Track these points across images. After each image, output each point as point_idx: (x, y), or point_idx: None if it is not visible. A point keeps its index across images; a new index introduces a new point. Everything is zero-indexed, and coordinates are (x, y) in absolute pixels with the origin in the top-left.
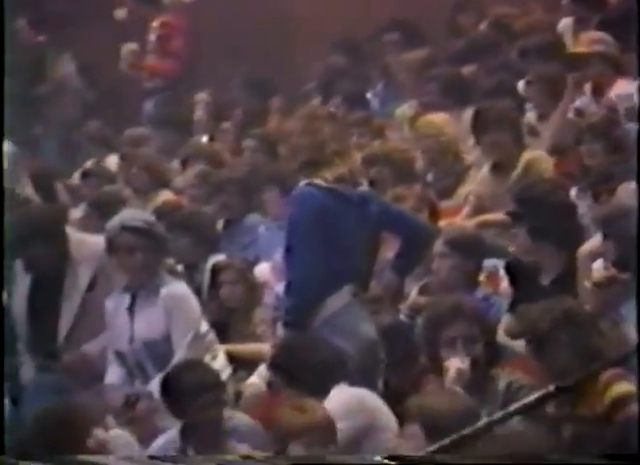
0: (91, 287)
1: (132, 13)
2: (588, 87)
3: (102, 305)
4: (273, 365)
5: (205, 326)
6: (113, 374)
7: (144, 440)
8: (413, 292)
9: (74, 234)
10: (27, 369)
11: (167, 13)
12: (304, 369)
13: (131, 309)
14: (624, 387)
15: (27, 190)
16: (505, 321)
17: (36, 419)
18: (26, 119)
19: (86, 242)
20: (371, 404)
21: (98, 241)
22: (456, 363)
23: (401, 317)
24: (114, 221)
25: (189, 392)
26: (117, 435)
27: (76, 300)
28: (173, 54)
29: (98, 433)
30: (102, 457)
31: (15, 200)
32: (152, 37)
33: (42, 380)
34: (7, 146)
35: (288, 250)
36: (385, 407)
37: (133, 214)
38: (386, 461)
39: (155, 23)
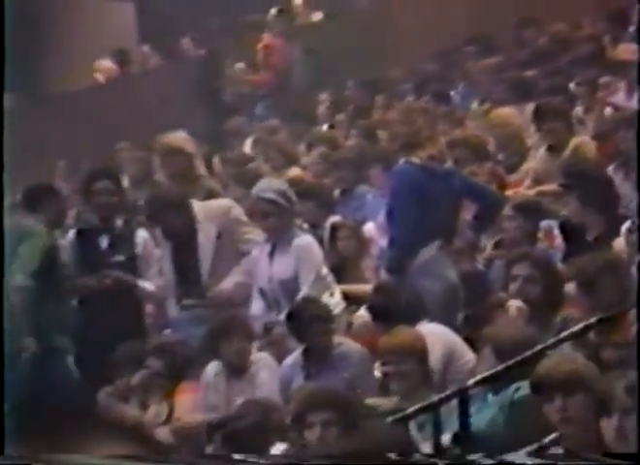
0: (218, 237)
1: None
2: (623, 87)
3: (229, 250)
4: (370, 306)
5: (325, 270)
6: (256, 307)
7: (279, 359)
8: (489, 246)
9: (196, 203)
10: (172, 310)
11: (270, 35)
12: (393, 309)
13: (271, 255)
14: None
15: (201, 169)
16: (559, 269)
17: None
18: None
19: (208, 206)
20: (449, 336)
21: (218, 204)
22: (515, 303)
23: (478, 265)
24: (254, 190)
25: (307, 322)
26: (261, 356)
27: (209, 249)
28: (271, 68)
29: (250, 348)
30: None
31: (189, 177)
32: (259, 56)
33: (184, 316)
34: (184, 135)
35: (390, 213)
36: (459, 338)
37: (269, 183)
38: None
39: (260, 45)
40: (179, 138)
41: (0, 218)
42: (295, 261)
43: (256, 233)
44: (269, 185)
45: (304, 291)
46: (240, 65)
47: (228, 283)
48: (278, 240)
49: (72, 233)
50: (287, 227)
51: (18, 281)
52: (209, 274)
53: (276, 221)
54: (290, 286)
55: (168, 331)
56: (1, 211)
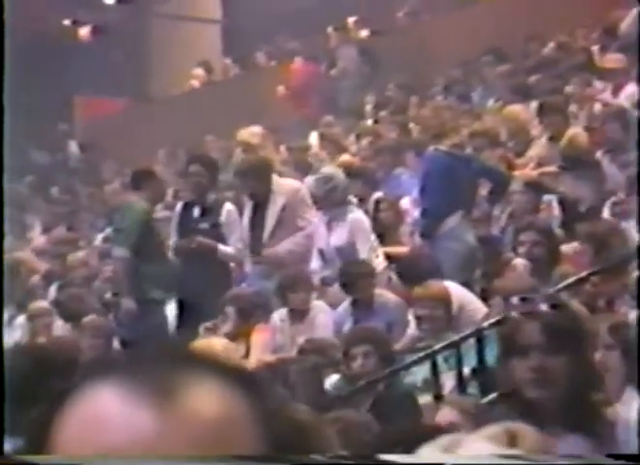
0: (283, 210)
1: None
2: (609, 88)
3: (289, 222)
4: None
5: (372, 237)
6: (315, 264)
7: (332, 307)
8: (504, 216)
9: (275, 178)
10: (247, 267)
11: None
12: (414, 271)
13: (329, 225)
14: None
15: (272, 155)
16: (557, 233)
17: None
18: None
19: (282, 183)
20: (460, 289)
21: (289, 182)
22: (521, 261)
23: (492, 231)
24: (311, 176)
25: (355, 278)
26: (318, 304)
27: (274, 217)
28: (290, 89)
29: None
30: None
31: (261, 162)
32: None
33: (255, 271)
34: (258, 129)
35: (422, 189)
36: (466, 290)
37: (328, 169)
38: None
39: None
40: (249, 132)
41: (0, 217)
42: (349, 231)
43: (313, 215)
44: (327, 171)
45: (362, 254)
46: (281, 87)
47: (282, 248)
48: (334, 214)
49: (179, 206)
50: (341, 204)
51: (120, 253)
52: (269, 237)
53: (334, 198)
54: (345, 252)
55: (244, 285)
56: (1, 211)
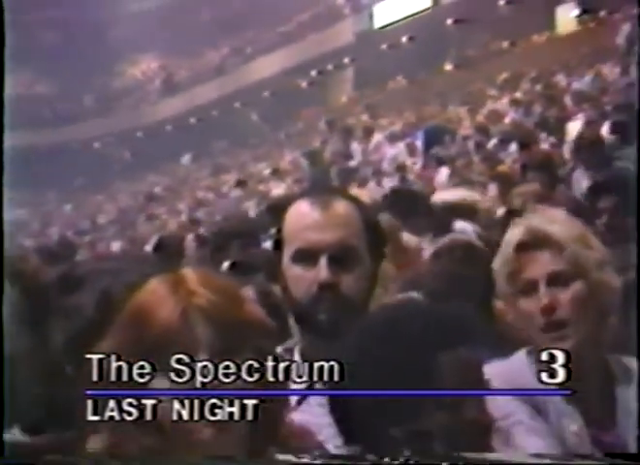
0: (375, 145)
1: None
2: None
3: (375, 149)
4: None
5: (405, 153)
6: (385, 164)
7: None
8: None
9: (376, 133)
10: (361, 164)
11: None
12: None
13: (390, 144)
14: None
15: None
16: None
17: None
18: None
19: (374, 135)
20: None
21: (376, 136)
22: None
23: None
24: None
25: (399, 167)
26: (388, 179)
27: (372, 148)
28: None
29: None
30: None
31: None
32: None
33: (363, 166)
34: (367, 116)
35: (425, 138)
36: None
37: (392, 129)
38: None
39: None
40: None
41: (0, 217)
42: (397, 151)
43: (385, 145)
44: (393, 129)
45: (401, 160)
46: None
47: (372, 158)
48: (392, 144)
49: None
50: (395, 143)
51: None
52: (369, 155)
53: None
54: (395, 159)
55: (359, 173)
56: (1, 210)
